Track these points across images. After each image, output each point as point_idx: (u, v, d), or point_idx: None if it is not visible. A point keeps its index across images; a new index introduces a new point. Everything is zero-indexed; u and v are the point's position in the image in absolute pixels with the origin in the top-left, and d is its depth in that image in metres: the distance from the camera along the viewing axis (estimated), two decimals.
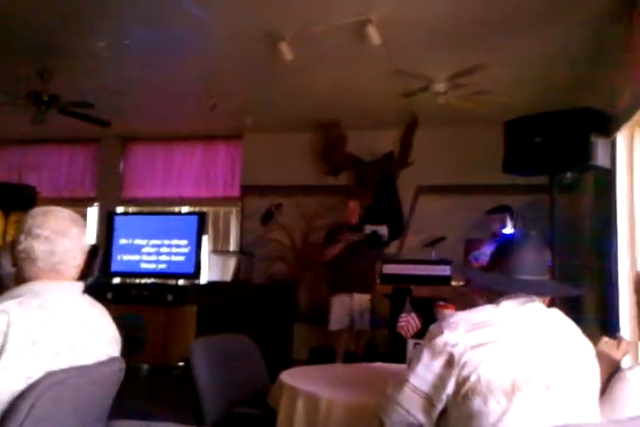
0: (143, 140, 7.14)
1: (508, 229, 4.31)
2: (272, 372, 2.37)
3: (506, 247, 1.65)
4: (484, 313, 1.49)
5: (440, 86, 4.66)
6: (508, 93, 4.82)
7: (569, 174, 3.32)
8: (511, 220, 4.40)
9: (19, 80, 4.85)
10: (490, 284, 1.58)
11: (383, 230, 4.44)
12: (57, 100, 5.01)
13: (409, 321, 3.49)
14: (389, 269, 4.20)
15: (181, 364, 5.59)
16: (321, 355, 5.73)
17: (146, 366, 5.92)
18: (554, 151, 3.12)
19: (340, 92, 5.22)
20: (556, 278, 3.04)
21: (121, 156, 7.18)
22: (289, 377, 2.11)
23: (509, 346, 1.40)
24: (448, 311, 2.62)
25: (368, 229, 4.55)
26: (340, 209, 6.27)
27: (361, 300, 5.01)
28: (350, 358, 4.97)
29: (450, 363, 1.40)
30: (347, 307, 5.08)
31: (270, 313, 5.62)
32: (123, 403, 1.82)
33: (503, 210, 4.50)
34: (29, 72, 4.74)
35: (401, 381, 1.47)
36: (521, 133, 3.27)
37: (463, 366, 1.38)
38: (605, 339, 1.83)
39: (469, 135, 5.84)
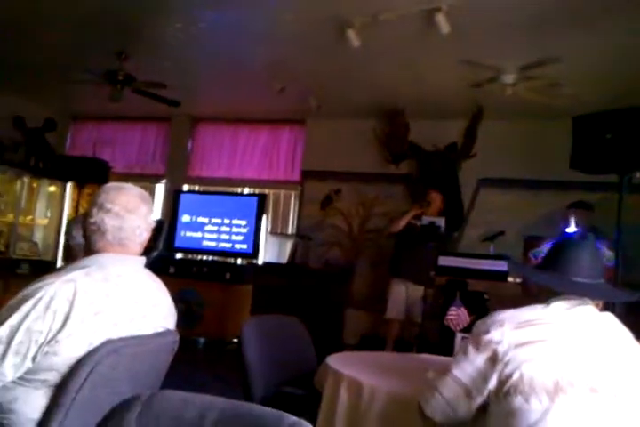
0: (211, 120, 7.26)
1: (572, 228, 4.18)
2: (322, 355, 2.40)
3: (563, 247, 1.63)
4: (533, 312, 1.48)
5: (509, 77, 4.52)
6: (579, 86, 4.63)
7: (639, 174, 3.18)
8: (587, 217, 4.30)
9: (98, 59, 5.05)
10: (547, 283, 1.56)
11: (440, 222, 4.37)
12: (132, 80, 5.19)
13: (459, 315, 3.46)
14: (445, 261, 4.15)
15: (236, 340, 5.77)
16: (371, 342, 5.78)
17: (202, 340, 6.15)
18: (625, 149, 2.99)
19: (406, 80, 5.15)
20: (620, 281, 2.94)
21: (189, 135, 7.35)
22: (335, 361, 2.14)
23: (556, 346, 1.39)
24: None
25: (425, 220, 4.49)
26: (399, 197, 6.24)
27: (416, 290, 5.00)
28: (400, 347, 4.99)
29: (493, 360, 1.40)
30: (404, 296, 5.10)
31: (324, 297, 5.69)
32: (179, 372, 1.92)
33: (584, 206, 4.40)
34: (108, 51, 4.92)
35: (444, 371, 1.50)
36: (590, 130, 3.15)
37: (506, 364, 1.38)
38: None
39: (536, 128, 5.64)
